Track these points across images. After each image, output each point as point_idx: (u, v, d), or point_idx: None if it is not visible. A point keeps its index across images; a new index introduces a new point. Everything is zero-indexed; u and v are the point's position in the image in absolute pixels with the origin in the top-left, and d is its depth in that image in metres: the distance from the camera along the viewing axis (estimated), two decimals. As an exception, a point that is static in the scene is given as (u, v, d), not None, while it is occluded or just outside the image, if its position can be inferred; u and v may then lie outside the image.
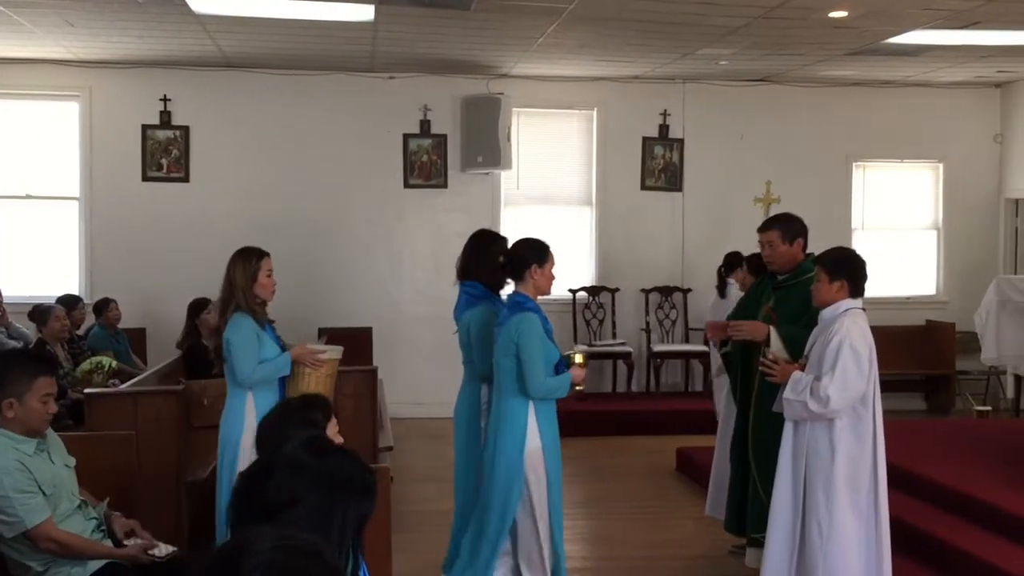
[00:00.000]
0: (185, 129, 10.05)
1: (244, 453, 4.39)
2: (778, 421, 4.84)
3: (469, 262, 5.09)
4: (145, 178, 10.04)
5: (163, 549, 3.80)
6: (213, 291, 8.64)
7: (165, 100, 9.98)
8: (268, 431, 3.06)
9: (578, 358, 4.60)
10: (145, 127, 10.01)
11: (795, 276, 5.01)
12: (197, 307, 8.02)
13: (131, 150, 9.99)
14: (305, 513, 2.02)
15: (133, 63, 9.76)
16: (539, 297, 4.56)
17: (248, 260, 4.65)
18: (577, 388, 4.60)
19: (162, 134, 10.03)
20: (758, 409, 5.08)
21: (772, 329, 4.85)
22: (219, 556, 1.48)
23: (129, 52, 9.33)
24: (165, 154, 10.05)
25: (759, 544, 5.03)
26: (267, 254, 4.70)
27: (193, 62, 9.71)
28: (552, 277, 4.57)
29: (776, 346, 4.79)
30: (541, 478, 4.41)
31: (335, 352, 4.82)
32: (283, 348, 4.69)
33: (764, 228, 5.12)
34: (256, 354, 4.52)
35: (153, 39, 8.72)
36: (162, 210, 9.99)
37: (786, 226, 5.03)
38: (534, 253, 4.52)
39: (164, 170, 10.06)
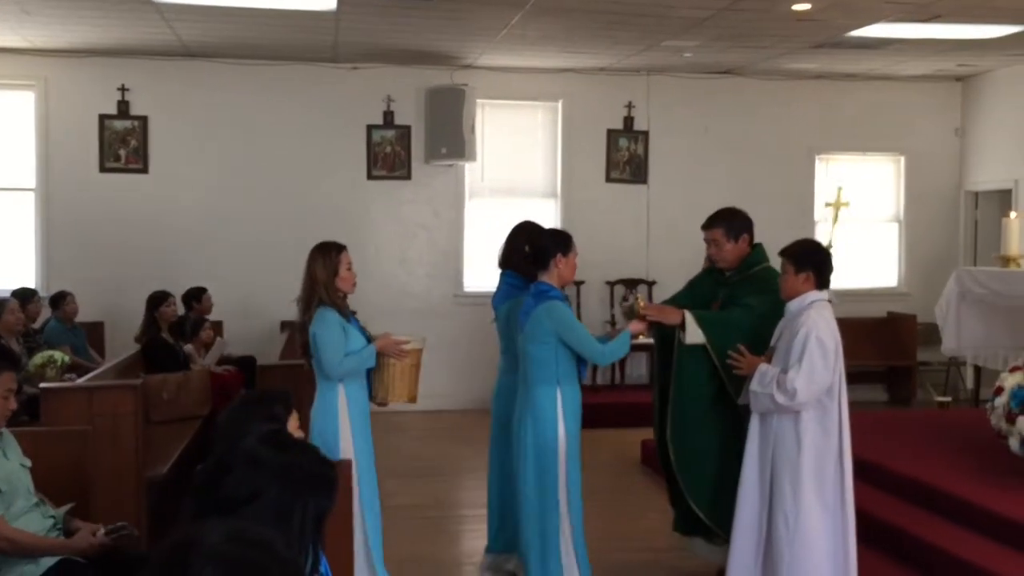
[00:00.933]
0: (144, 119, 9.89)
1: (343, 445, 4.52)
2: (705, 420, 4.83)
3: (505, 251, 5.36)
4: (103, 169, 9.88)
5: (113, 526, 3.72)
6: (172, 284, 8.62)
7: (123, 90, 9.81)
8: (228, 425, 3.00)
9: (642, 303, 4.85)
10: (103, 117, 9.84)
11: (742, 271, 4.93)
12: (156, 300, 7.91)
13: (88, 141, 9.82)
14: (265, 508, 2.00)
15: (90, 52, 9.59)
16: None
17: (328, 255, 4.64)
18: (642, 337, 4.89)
19: (120, 124, 9.86)
20: (678, 407, 4.90)
21: (687, 313, 4.78)
22: (171, 550, 1.45)
23: (86, 41, 9.16)
24: (123, 145, 9.89)
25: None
26: (345, 247, 4.72)
27: (152, 51, 9.55)
28: (575, 267, 4.71)
29: (692, 331, 4.75)
30: (564, 463, 4.56)
31: (418, 343, 4.83)
32: (368, 340, 4.71)
33: (708, 226, 4.97)
34: (342, 347, 4.54)
35: (110, 27, 8.57)
36: (120, 202, 9.83)
37: (730, 223, 4.92)
38: (558, 243, 4.66)
39: (122, 161, 9.89)
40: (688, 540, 5.34)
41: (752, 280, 4.85)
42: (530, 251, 4.75)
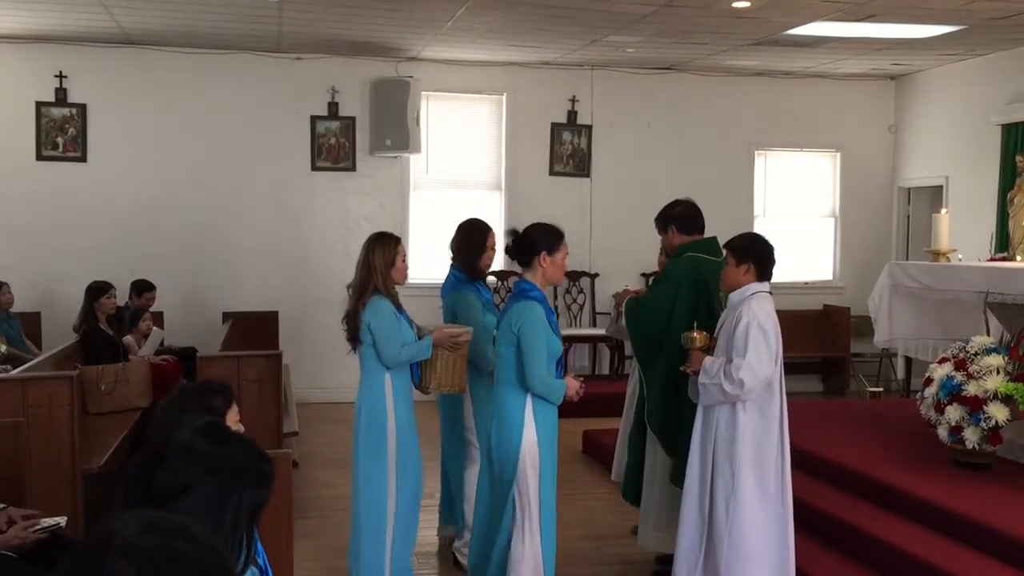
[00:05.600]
0: (82, 107, 9.73)
1: (391, 435, 4.61)
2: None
3: (451, 246, 5.39)
4: (40, 157, 9.70)
5: (48, 521, 3.67)
6: (111, 274, 8.49)
7: (61, 77, 9.64)
8: (164, 417, 2.98)
9: (698, 339, 4.46)
10: (40, 104, 9.65)
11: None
12: (97, 290, 7.80)
13: (24, 128, 9.63)
14: (198, 500, 1.99)
15: (26, 38, 9.39)
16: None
17: (387, 245, 4.70)
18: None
19: (57, 112, 9.69)
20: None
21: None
22: (86, 546, 1.44)
23: (22, 26, 8.97)
24: (61, 132, 9.71)
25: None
26: (400, 239, 4.81)
27: (91, 38, 9.39)
28: (563, 267, 4.38)
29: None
30: (531, 477, 4.18)
31: (468, 334, 4.88)
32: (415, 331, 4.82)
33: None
34: (399, 337, 4.62)
35: (48, 13, 8.40)
36: (58, 190, 9.67)
37: (660, 217, 5.27)
38: (546, 240, 4.30)
39: (60, 149, 9.72)
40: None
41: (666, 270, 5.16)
42: (515, 246, 4.37)
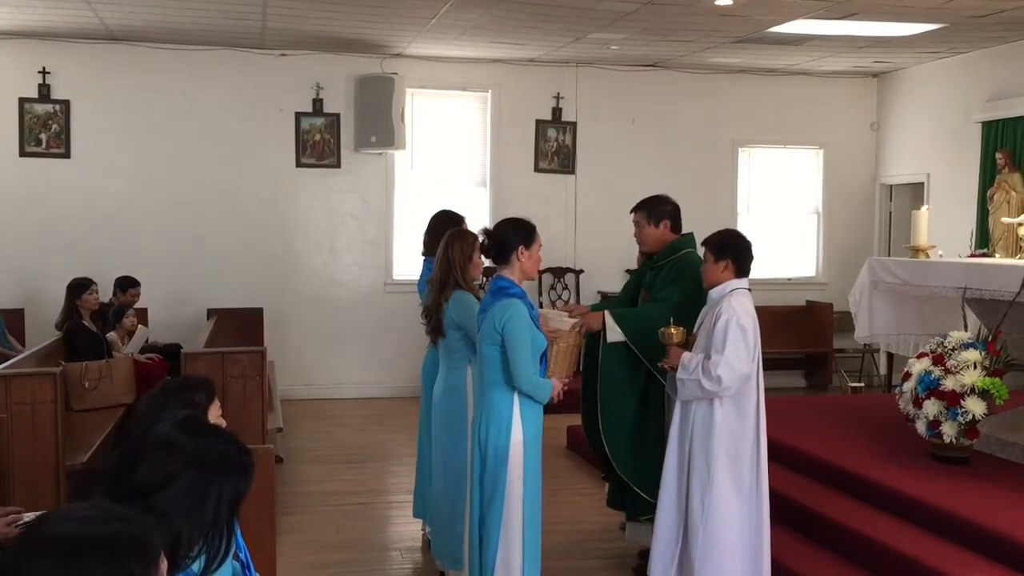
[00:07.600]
0: (66, 103, 9.70)
1: (469, 427, 4.64)
2: (631, 410, 5.01)
3: (427, 239, 5.42)
4: (23, 153, 9.67)
5: (29, 515, 3.67)
6: (95, 271, 8.49)
7: (44, 73, 9.60)
8: (146, 412, 3.00)
9: (675, 335, 4.45)
10: (23, 100, 9.62)
11: (664, 256, 5.12)
12: (78, 288, 7.78)
13: (7, 124, 9.60)
14: (179, 492, 2.02)
15: (8, 34, 9.36)
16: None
17: (465, 240, 4.79)
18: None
19: (41, 108, 9.66)
20: (606, 402, 5.12)
21: (606, 314, 4.97)
22: (16, 541, 1.50)
23: (5, 22, 8.93)
24: (44, 129, 9.68)
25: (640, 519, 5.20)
26: (477, 236, 4.82)
27: (74, 34, 9.37)
28: (539, 259, 4.35)
29: (612, 330, 4.91)
30: (519, 474, 4.16)
31: (567, 323, 4.77)
32: None
33: (633, 210, 5.20)
34: None
35: (31, 8, 8.37)
36: (41, 187, 9.64)
37: (651, 208, 5.13)
38: (520, 234, 4.27)
39: (43, 145, 9.69)
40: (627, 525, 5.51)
41: (671, 265, 5.03)
42: (489, 243, 4.33)
